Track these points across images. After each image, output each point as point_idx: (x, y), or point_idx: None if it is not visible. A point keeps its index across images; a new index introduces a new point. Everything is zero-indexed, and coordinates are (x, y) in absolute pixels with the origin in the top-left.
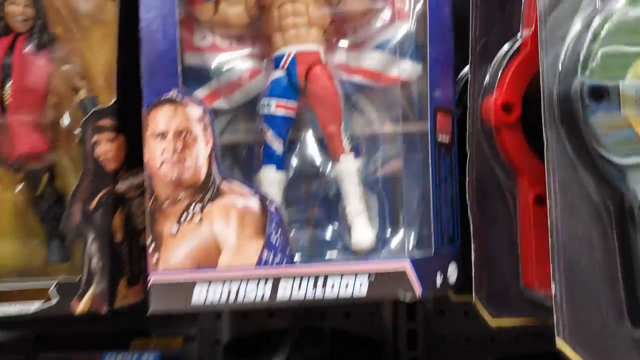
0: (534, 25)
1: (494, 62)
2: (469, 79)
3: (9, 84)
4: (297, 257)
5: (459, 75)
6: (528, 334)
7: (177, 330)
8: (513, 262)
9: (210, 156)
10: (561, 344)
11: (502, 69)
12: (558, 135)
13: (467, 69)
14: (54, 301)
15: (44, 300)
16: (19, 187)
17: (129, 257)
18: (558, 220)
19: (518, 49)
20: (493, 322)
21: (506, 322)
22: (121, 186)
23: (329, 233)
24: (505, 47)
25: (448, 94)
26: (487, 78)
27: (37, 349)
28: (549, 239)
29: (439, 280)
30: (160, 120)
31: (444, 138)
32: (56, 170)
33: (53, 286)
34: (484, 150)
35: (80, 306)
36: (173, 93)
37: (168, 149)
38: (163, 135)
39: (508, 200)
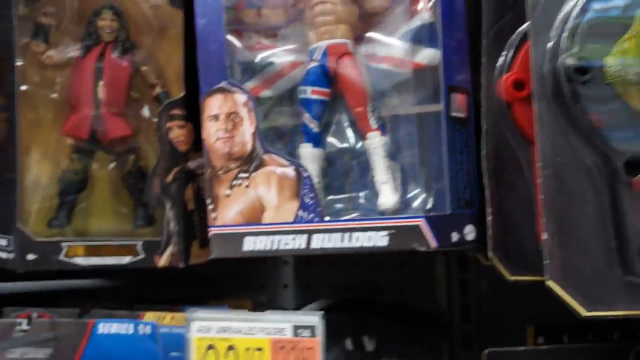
0: None
1: (506, 45)
2: (483, 62)
3: (101, 84)
4: (327, 217)
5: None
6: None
7: (248, 297)
8: (530, 223)
9: (254, 133)
10: (552, 284)
11: (513, 50)
12: (548, 106)
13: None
14: (141, 256)
15: (133, 256)
16: (112, 165)
17: (199, 223)
18: (549, 179)
19: (529, 29)
20: (511, 277)
21: (524, 277)
22: (191, 164)
23: (360, 198)
24: (518, 30)
25: (462, 75)
26: (500, 59)
27: (132, 301)
28: (541, 196)
29: (455, 237)
30: (214, 106)
31: (459, 114)
32: (140, 152)
33: (140, 244)
34: (499, 124)
35: (162, 261)
36: (223, 83)
37: (220, 129)
38: (216, 117)
39: (524, 168)
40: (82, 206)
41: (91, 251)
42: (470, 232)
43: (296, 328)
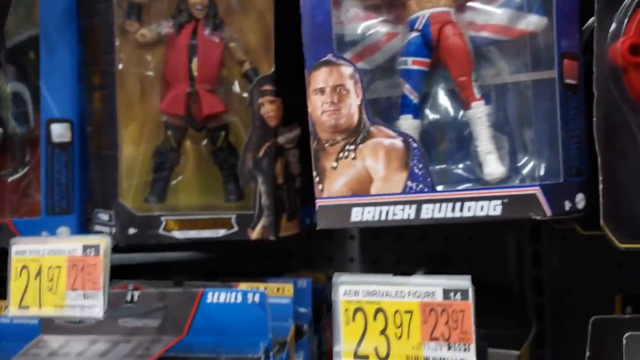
0: None
1: (620, 10)
2: (595, 27)
3: (195, 60)
4: (437, 186)
5: (585, 26)
6: None
7: (319, 270)
8: None
9: (360, 105)
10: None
11: (628, 15)
12: None
13: (591, 20)
14: (235, 229)
15: (227, 228)
16: (204, 142)
17: (287, 197)
18: None
19: None
20: (622, 245)
21: (634, 245)
22: (280, 139)
23: (461, 169)
24: None
25: (574, 42)
26: (613, 25)
27: (212, 274)
28: None
29: (567, 205)
30: (320, 79)
31: (571, 81)
32: (229, 128)
33: (234, 217)
34: (610, 91)
35: (254, 234)
36: (329, 56)
37: (327, 101)
38: (322, 90)
39: (636, 135)
40: (176, 182)
41: (187, 225)
42: (580, 200)
43: (447, 291)
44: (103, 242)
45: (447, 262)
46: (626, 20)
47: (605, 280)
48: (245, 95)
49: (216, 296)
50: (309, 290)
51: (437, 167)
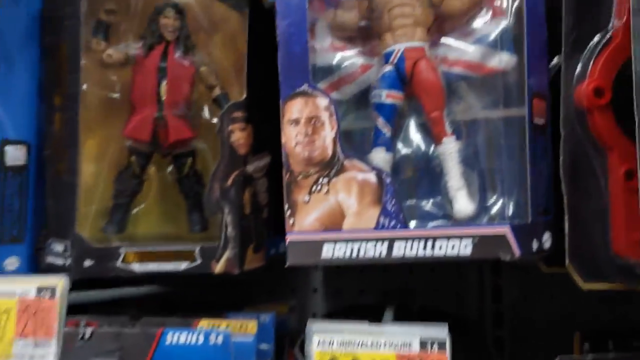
0: (625, 17)
1: (585, 52)
2: (562, 68)
3: (164, 84)
4: (409, 223)
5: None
6: (613, 315)
7: (280, 302)
8: (603, 231)
9: (335, 138)
10: None
11: (593, 57)
12: None
13: (556, 59)
14: (198, 262)
15: (190, 261)
16: (169, 169)
17: (254, 227)
18: None
19: (609, 39)
20: (585, 285)
21: (596, 285)
22: (249, 168)
23: (431, 205)
24: (596, 38)
25: (543, 81)
26: (579, 67)
27: (170, 307)
28: None
29: (534, 245)
30: (295, 110)
31: (539, 120)
32: (197, 155)
33: (197, 250)
34: (576, 131)
35: (218, 267)
36: (305, 87)
37: (301, 133)
38: (296, 121)
39: (599, 176)
40: (137, 210)
41: (148, 257)
42: (547, 239)
43: (424, 342)
44: (60, 283)
45: (410, 294)
46: (591, 63)
47: (564, 315)
48: (214, 121)
49: (176, 337)
50: (271, 326)
51: (408, 202)
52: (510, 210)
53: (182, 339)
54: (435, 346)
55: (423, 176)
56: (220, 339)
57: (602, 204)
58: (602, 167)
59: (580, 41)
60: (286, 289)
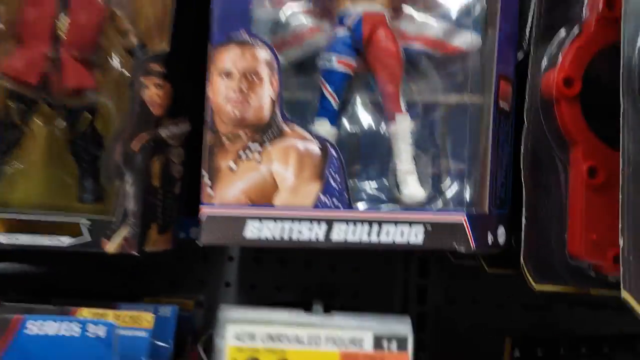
0: (601, 5)
1: (556, 40)
2: (530, 55)
3: (64, 18)
4: (354, 204)
5: None
6: (537, 321)
7: (186, 295)
8: (560, 231)
9: (274, 99)
10: (626, 295)
11: (564, 46)
12: (634, 105)
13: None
14: (85, 238)
15: (74, 236)
16: (59, 123)
17: (162, 204)
18: (630, 181)
19: (581, 29)
20: (537, 287)
21: (549, 287)
22: (163, 132)
23: (377, 188)
24: (568, 27)
25: (510, 65)
26: (548, 55)
27: (44, 293)
28: (620, 196)
29: (490, 239)
30: (228, 60)
31: (504, 105)
32: (98, 111)
33: (85, 223)
34: (540, 122)
35: (112, 246)
36: (243, 34)
37: (234, 88)
38: (229, 74)
39: (559, 171)
40: (12, 169)
41: (21, 227)
42: (501, 234)
43: (379, 339)
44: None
45: (331, 293)
46: (562, 52)
47: (490, 318)
48: (125, 73)
49: (39, 327)
50: (172, 321)
51: (351, 183)
52: (467, 197)
53: (49, 329)
54: (394, 344)
55: (370, 157)
56: (101, 331)
57: (561, 201)
58: (564, 162)
59: (550, 28)
60: (194, 280)
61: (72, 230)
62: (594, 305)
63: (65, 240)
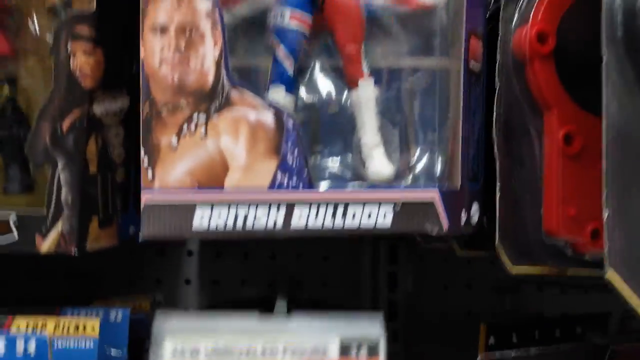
0: None
1: None
2: (502, 7)
3: None
4: (316, 183)
5: None
6: (508, 305)
7: (142, 295)
8: (535, 206)
9: (219, 59)
10: (611, 273)
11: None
12: (617, 54)
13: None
14: (15, 235)
15: (4, 234)
16: None
17: (101, 192)
18: (610, 144)
19: None
20: (513, 269)
21: (525, 269)
22: (97, 109)
23: (339, 165)
24: None
25: (480, 19)
26: (520, 8)
27: None
28: (603, 162)
29: (463, 217)
30: (161, 11)
31: (475, 66)
32: (19, 84)
33: (13, 218)
34: (512, 84)
35: (47, 244)
36: None
37: (169, 46)
38: (164, 29)
39: (534, 140)
40: None
41: None
42: (475, 212)
43: (346, 346)
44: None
45: (299, 284)
46: (534, 4)
47: (460, 305)
48: (47, 37)
49: None
50: (125, 325)
51: (311, 160)
52: (437, 172)
53: None
54: (364, 350)
55: (331, 129)
56: (32, 346)
57: (534, 173)
58: (538, 129)
59: None
60: (150, 278)
61: (0, 227)
62: (563, 285)
63: None
